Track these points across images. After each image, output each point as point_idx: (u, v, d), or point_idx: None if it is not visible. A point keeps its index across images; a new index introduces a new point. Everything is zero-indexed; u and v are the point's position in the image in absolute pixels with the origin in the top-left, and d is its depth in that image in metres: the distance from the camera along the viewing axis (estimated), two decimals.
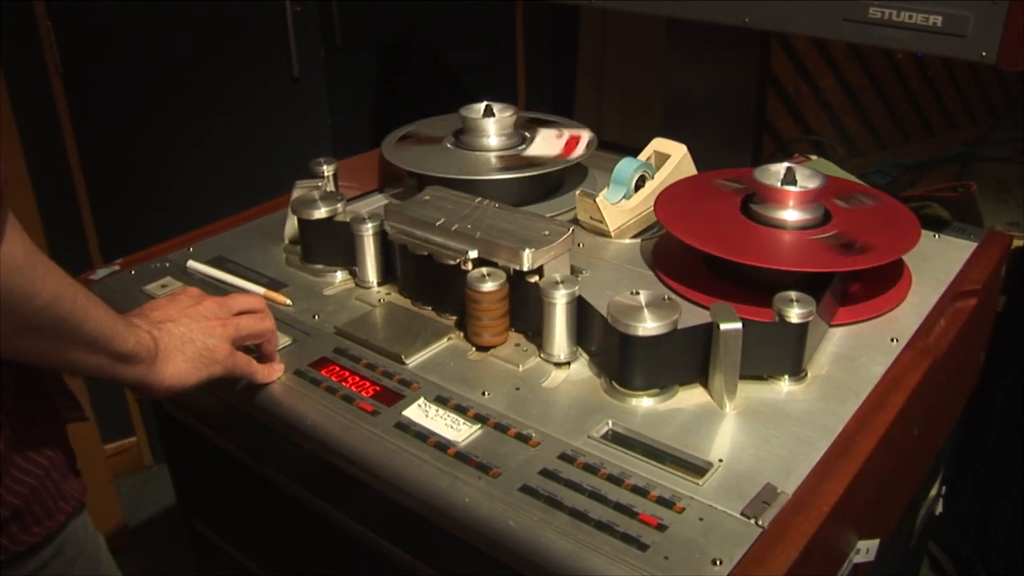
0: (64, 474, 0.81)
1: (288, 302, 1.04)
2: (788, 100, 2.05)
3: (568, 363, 0.90)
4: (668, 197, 1.10)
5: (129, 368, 0.75)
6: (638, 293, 0.84)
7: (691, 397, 0.85)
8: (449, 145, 1.27)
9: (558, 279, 0.87)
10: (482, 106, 1.28)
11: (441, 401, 0.86)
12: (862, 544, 0.83)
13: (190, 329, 0.82)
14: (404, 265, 1.02)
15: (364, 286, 1.06)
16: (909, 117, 2.08)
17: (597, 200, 1.12)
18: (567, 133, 1.31)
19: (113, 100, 1.91)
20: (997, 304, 1.20)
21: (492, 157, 1.24)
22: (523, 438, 0.80)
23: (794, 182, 1.00)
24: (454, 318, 0.98)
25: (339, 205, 1.07)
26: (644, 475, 0.75)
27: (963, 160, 1.99)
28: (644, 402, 0.84)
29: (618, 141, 1.44)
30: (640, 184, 1.15)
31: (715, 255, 0.96)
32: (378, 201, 1.29)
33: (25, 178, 1.70)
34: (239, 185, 2.03)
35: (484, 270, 0.91)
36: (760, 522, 0.70)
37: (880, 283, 1.01)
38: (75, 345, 0.69)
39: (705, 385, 0.86)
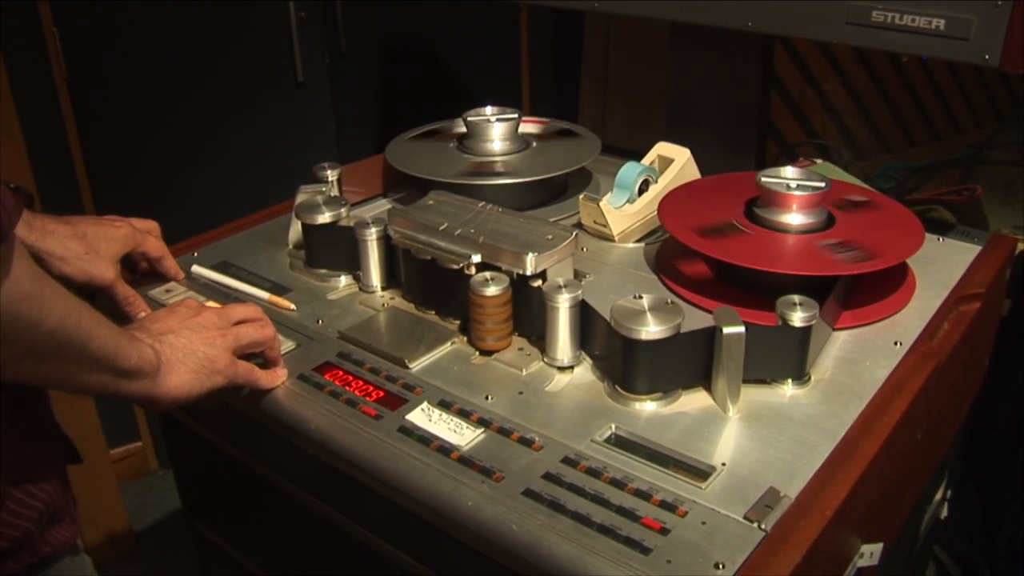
0: (57, 518, 0.80)
1: (292, 307, 1.04)
2: (792, 104, 2.05)
3: (571, 367, 0.90)
4: (672, 201, 1.10)
5: (133, 383, 0.75)
6: (641, 297, 0.84)
7: (694, 401, 0.85)
8: (453, 149, 1.28)
9: (561, 283, 0.88)
10: (486, 110, 1.28)
11: (444, 405, 0.86)
12: (866, 548, 0.83)
13: (191, 340, 0.82)
14: (408, 270, 1.02)
15: (368, 291, 1.06)
16: (914, 120, 2.08)
17: (601, 204, 1.13)
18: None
19: (118, 105, 1.91)
20: (1001, 308, 1.20)
21: (498, 160, 1.24)
22: (526, 442, 0.80)
23: (798, 186, 1.00)
24: (457, 322, 0.98)
25: (343, 210, 1.07)
26: (647, 479, 0.75)
27: (968, 163, 1.99)
28: (647, 406, 0.84)
29: (622, 145, 1.44)
30: (644, 188, 1.15)
31: (718, 259, 0.96)
32: (382, 206, 1.29)
33: (31, 183, 1.70)
34: (243, 190, 2.04)
35: (487, 274, 0.91)
36: (763, 526, 0.70)
37: (884, 287, 1.01)
38: (79, 366, 0.69)
39: (708, 389, 0.86)
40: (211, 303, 1.01)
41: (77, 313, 0.66)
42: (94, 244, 0.96)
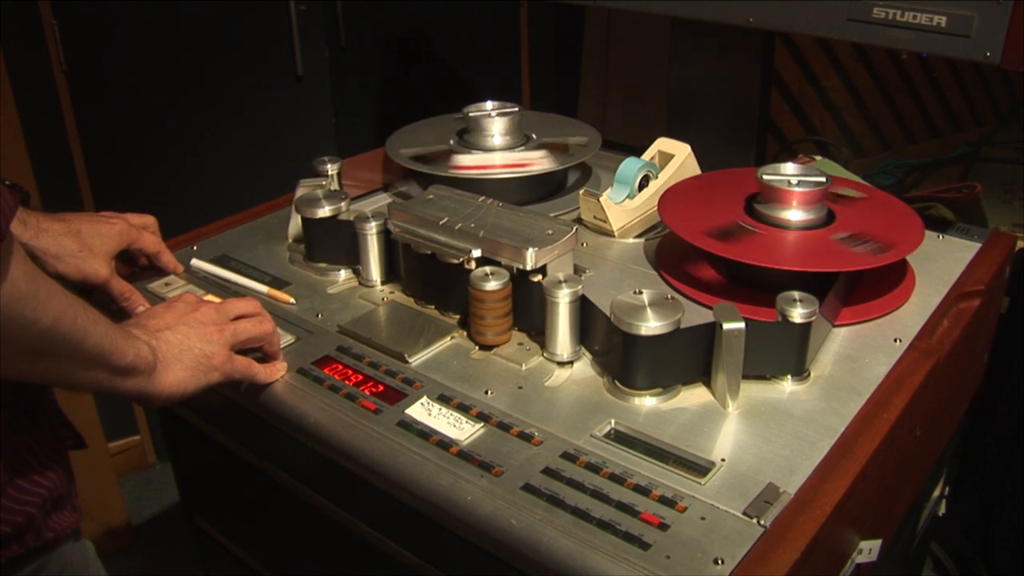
0: (59, 504, 0.81)
1: (291, 301, 1.04)
2: (793, 101, 2.05)
3: (571, 362, 0.90)
4: (672, 197, 1.10)
5: (129, 380, 0.75)
6: (641, 292, 0.84)
7: (694, 397, 0.85)
8: (453, 144, 1.27)
9: (561, 278, 0.87)
10: (486, 105, 1.28)
11: (444, 400, 0.86)
12: (864, 544, 0.83)
13: (188, 336, 0.82)
14: (407, 264, 1.02)
15: (367, 285, 1.06)
16: (914, 118, 2.08)
17: (601, 200, 1.12)
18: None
19: (117, 99, 1.91)
20: (1000, 305, 1.20)
21: (496, 156, 1.24)
22: (525, 437, 0.80)
23: (798, 182, 1.00)
24: (457, 317, 0.98)
25: (343, 204, 1.07)
26: (646, 474, 0.75)
27: (968, 161, 1.99)
28: (647, 401, 0.84)
29: (622, 141, 1.44)
30: (644, 184, 1.15)
31: (718, 255, 0.96)
32: (382, 200, 1.29)
33: (29, 176, 1.70)
34: (243, 184, 2.03)
35: (487, 269, 0.91)
36: (762, 521, 0.70)
37: (883, 283, 1.01)
38: (74, 363, 0.69)
39: (708, 385, 0.86)
40: (210, 297, 1.01)
41: (72, 312, 0.66)
42: (88, 241, 0.96)
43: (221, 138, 2.04)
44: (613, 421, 0.82)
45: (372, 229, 1.02)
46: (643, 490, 0.73)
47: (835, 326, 0.95)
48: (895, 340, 0.93)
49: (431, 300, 1.01)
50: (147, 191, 2.00)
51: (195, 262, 1.11)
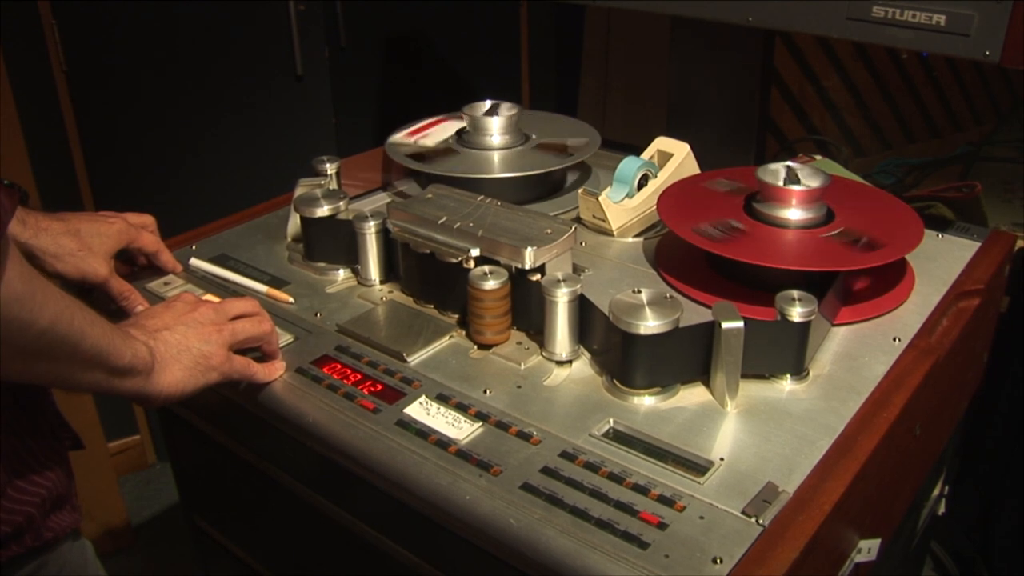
0: (59, 504, 0.81)
1: (290, 300, 1.04)
2: (792, 100, 2.05)
3: (570, 361, 0.90)
4: (671, 196, 1.10)
5: (127, 381, 0.75)
6: (640, 291, 0.84)
7: (693, 396, 0.85)
8: (452, 144, 1.27)
9: (560, 277, 0.87)
10: (486, 105, 1.28)
11: (442, 399, 0.86)
12: (864, 543, 0.83)
13: (186, 336, 0.82)
14: (406, 263, 1.02)
15: (366, 284, 1.06)
16: (914, 117, 2.07)
17: (600, 199, 1.12)
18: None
19: (117, 98, 1.91)
20: (1000, 304, 1.20)
21: (495, 155, 1.24)
22: (524, 436, 0.80)
23: (797, 181, 1.00)
24: (456, 316, 0.98)
25: (342, 203, 1.07)
26: (645, 473, 0.75)
27: (968, 160, 1.99)
28: (646, 400, 0.84)
29: (621, 140, 1.44)
30: (643, 183, 1.15)
31: (717, 254, 0.96)
32: (381, 199, 1.29)
33: (29, 176, 1.70)
34: (242, 183, 2.04)
35: (486, 268, 0.91)
36: (761, 521, 0.70)
37: (883, 282, 1.01)
38: (72, 365, 0.69)
39: (707, 384, 0.86)
40: (209, 296, 1.01)
41: (69, 313, 0.66)
42: (87, 241, 0.96)
43: (221, 138, 2.04)
44: (612, 420, 0.82)
45: (371, 228, 1.02)
46: (642, 489, 0.73)
47: (834, 325, 0.95)
48: (894, 339, 0.93)
49: (430, 299, 1.01)
50: (147, 191, 2.00)
51: (194, 261, 1.11)
